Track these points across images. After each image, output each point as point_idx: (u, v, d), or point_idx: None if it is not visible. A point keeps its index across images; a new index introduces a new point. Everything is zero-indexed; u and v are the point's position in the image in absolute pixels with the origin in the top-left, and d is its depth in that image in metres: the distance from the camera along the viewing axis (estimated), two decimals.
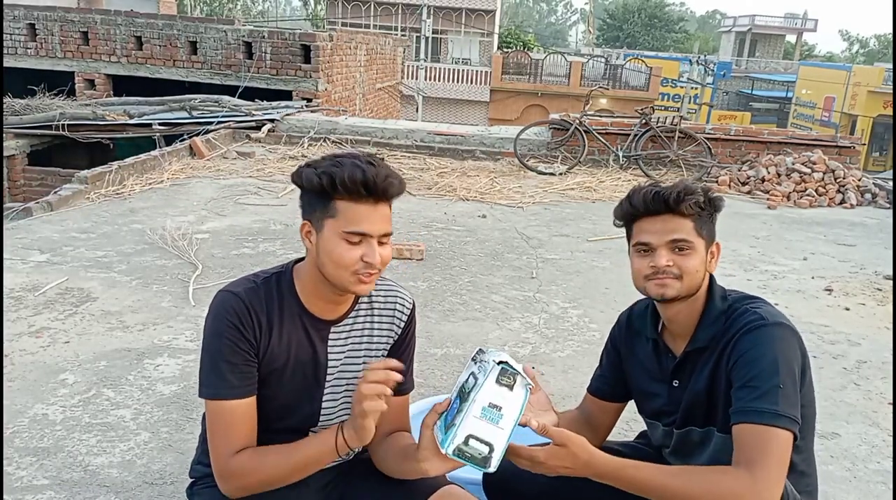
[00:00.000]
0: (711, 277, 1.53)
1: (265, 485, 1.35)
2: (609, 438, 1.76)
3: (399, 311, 1.53)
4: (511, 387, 1.26)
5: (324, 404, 1.47)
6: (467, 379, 1.31)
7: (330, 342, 1.46)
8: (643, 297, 1.60)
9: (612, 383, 1.69)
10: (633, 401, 1.71)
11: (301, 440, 1.38)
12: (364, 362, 1.50)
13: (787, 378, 1.34)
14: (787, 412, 1.31)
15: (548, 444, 1.34)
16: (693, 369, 1.50)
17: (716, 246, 1.52)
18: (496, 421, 1.22)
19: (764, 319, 1.41)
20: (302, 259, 1.46)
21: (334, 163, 1.32)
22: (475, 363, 1.34)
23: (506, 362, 1.28)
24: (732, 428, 1.35)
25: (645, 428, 1.79)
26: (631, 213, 1.50)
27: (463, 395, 1.28)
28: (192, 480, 1.55)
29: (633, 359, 1.64)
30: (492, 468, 1.21)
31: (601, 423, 1.72)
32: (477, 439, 1.21)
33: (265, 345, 1.39)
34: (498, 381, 1.26)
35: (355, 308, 1.49)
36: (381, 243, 1.35)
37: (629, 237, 1.53)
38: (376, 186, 1.30)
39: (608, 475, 1.35)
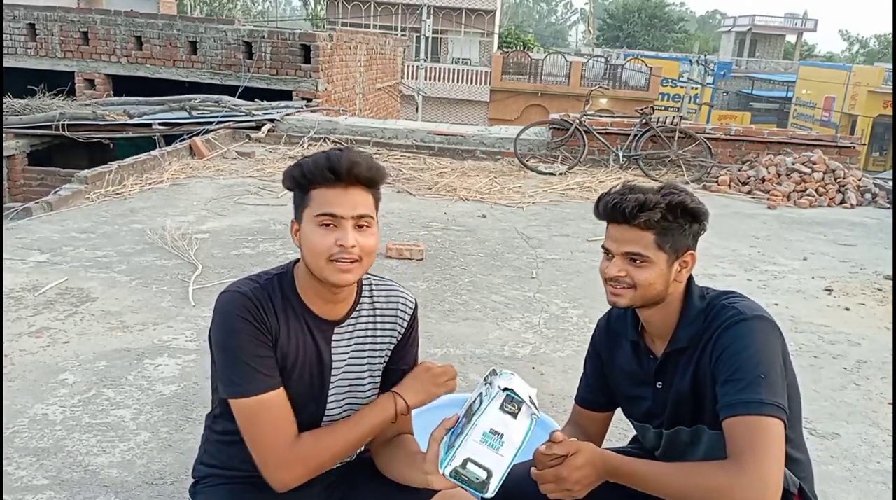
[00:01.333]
0: (690, 276, 1.53)
1: (326, 465, 1.40)
2: (612, 439, 1.76)
3: (402, 311, 1.53)
4: (515, 415, 1.25)
5: (328, 405, 1.47)
6: (475, 400, 1.31)
7: (334, 343, 1.46)
8: None
9: (597, 390, 1.69)
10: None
11: (355, 414, 1.45)
12: (368, 363, 1.50)
13: (769, 368, 1.35)
14: (771, 400, 1.32)
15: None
16: (675, 370, 1.50)
17: (689, 256, 1.48)
18: (496, 448, 1.22)
19: (742, 313, 1.41)
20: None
21: (309, 158, 1.36)
22: (485, 384, 1.33)
23: (511, 390, 1.27)
24: (722, 424, 1.36)
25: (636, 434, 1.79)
26: (598, 215, 1.52)
27: (469, 416, 1.28)
28: (194, 480, 1.55)
29: (614, 364, 1.64)
30: (489, 494, 1.21)
31: (592, 433, 1.71)
32: (475, 463, 1.21)
33: (275, 342, 1.38)
34: (502, 408, 1.25)
35: (357, 308, 1.48)
36: (359, 228, 1.35)
37: None
38: (341, 168, 1.32)
39: (618, 470, 1.39)
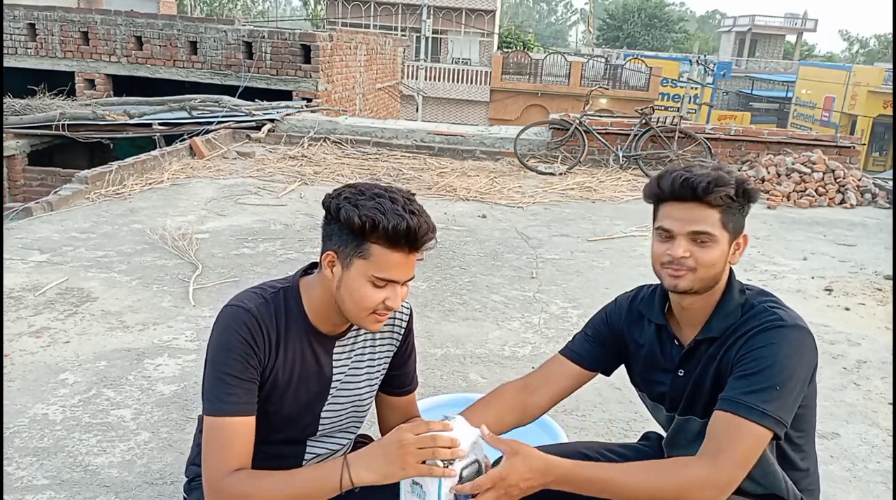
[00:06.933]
0: (731, 269, 1.49)
1: None
2: (611, 440, 1.75)
3: (398, 319, 1.54)
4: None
5: (323, 415, 1.47)
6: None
7: (334, 356, 1.46)
8: (643, 286, 1.62)
9: (589, 352, 1.63)
10: (630, 385, 1.69)
11: (301, 469, 1.33)
12: (367, 374, 1.50)
13: (788, 381, 1.32)
14: (774, 414, 1.30)
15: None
16: (701, 359, 1.47)
17: (743, 238, 1.46)
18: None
19: (783, 320, 1.38)
20: (308, 271, 1.45)
21: (377, 205, 1.27)
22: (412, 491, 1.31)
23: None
24: (714, 412, 1.33)
25: (646, 430, 1.78)
26: (658, 194, 1.45)
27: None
28: (187, 478, 1.56)
29: (635, 344, 1.60)
30: None
31: (561, 386, 1.63)
32: None
33: (272, 361, 1.37)
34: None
35: None
36: (402, 285, 1.35)
37: (654, 218, 1.47)
38: (416, 240, 1.29)
39: (568, 477, 1.32)
